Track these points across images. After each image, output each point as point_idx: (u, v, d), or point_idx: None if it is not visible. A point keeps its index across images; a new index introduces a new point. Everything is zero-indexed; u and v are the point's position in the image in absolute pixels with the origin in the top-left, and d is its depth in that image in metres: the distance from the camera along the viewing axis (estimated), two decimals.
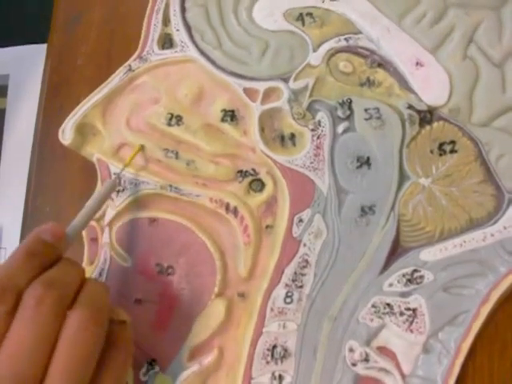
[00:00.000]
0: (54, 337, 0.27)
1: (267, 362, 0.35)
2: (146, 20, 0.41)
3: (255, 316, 0.35)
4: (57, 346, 0.27)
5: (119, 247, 0.38)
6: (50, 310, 0.27)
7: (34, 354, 0.26)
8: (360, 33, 0.38)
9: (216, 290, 0.36)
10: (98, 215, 0.39)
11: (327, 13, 0.39)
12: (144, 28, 0.41)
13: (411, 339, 0.33)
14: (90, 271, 0.38)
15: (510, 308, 0.33)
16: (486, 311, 0.33)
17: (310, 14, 0.39)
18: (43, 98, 0.45)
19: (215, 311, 0.36)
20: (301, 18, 0.39)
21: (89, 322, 0.28)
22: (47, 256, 0.30)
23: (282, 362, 0.34)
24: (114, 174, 0.39)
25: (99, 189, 0.38)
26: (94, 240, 0.39)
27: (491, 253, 0.33)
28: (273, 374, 0.34)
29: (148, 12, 0.42)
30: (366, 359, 0.33)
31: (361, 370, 0.33)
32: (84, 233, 0.39)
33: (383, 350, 0.33)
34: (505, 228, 0.33)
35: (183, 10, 0.41)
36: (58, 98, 0.44)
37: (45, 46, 0.47)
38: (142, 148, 0.39)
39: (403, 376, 0.33)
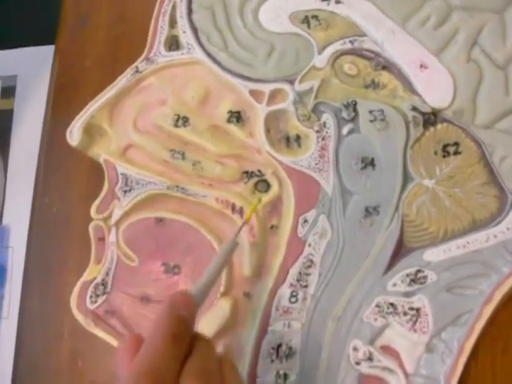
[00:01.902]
0: None
1: (272, 361, 0.35)
2: (152, 22, 0.42)
3: (260, 315, 0.36)
4: None
5: (126, 247, 0.39)
6: None
7: None
8: (365, 35, 0.39)
9: (221, 289, 0.36)
10: (105, 215, 0.39)
11: (332, 15, 0.39)
12: (151, 30, 0.42)
13: (414, 339, 0.33)
14: (97, 270, 0.39)
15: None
16: (488, 311, 0.33)
17: (315, 17, 0.40)
18: (51, 98, 0.45)
19: (220, 310, 0.36)
20: (306, 20, 0.40)
21: None
22: (189, 335, 0.28)
23: (286, 360, 0.35)
24: (233, 209, 0.37)
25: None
26: (101, 240, 0.39)
27: (494, 254, 0.34)
28: (277, 372, 0.35)
29: (155, 14, 0.42)
30: (370, 358, 0.34)
31: (364, 368, 0.34)
32: (91, 232, 0.39)
33: (387, 350, 0.34)
34: (508, 229, 0.34)
35: (190, 12, 0.42)
36: (65, 99, 0.45)
37: (52, 47, 0.47)
38: (259, 202, 0.37)
39: (406, 375, 0.33)
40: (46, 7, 0.50)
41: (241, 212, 0.37)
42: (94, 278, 0.39)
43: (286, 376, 0.35)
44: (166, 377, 0.26)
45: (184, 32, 0.41)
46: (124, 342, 0.29)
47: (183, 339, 0.28)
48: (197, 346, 0.28)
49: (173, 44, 0.41)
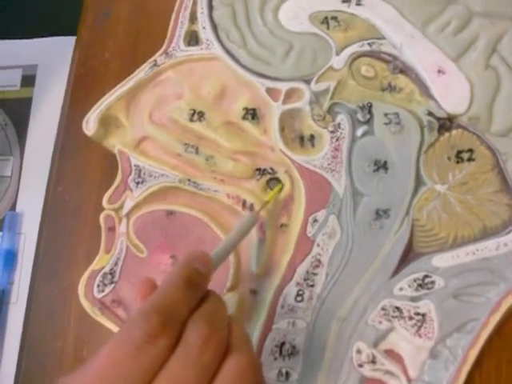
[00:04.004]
0: (210, 379, 0.26)
1: (275, 359, 0.35)
2: (173, 17, 0.42)
3: (265, 312, 0.36)
4: None
5: (136, 238, 0.39)
6: (213, 352, 0.26)
7: None
8: (383, 38, 0.39)
9: (228, 284, 0.36)
10: (117, 205, 0.40)
11: (352, 17, 0.40)
12: (171, 24, 0.42)
13: (419, 344, 0.33)
14: (107, 260, 0.39)
15: None
16: (495, 320, 0.33)
17: (335, 18, 0.40)
18: (69, 88, 0.46)
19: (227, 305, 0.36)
20: (326, 21, 0.40)
21: (247, 370, 0.27)
22: (203, 287, 0.29)
23: (289, 358, 0.35)
24: (243, 205, 0.37)
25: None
26: (112, 229, 0.40)
27: (503, 262, 0.33)
28: (280, 370, 0.35)
29: (176, 9, 0.42)
30: (373, 361, 0.33)
31: (367, 371, 0.33)
32: (102, 222, 0.40)
33: (390, 353, 0.34)
34: None
35: (210, 8, 0.42)
36: (83, 90, 0.45)
37: (73, 38, 0.48)
38: (281, 188, 0.38)
39: (409, 380, 0.33)
40: None
41: (251, 208, 0.37)
42: (103, 268, 0.39)
43: (288, 374, 0.35)
44: (175, 317, 0.26)
45: (204, 28, 0.41)
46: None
47: (196, 288, 0.28)
48: (209, 298, 0.29)
49: (192, 39, 0.42)
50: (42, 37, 0.51)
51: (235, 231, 0.34)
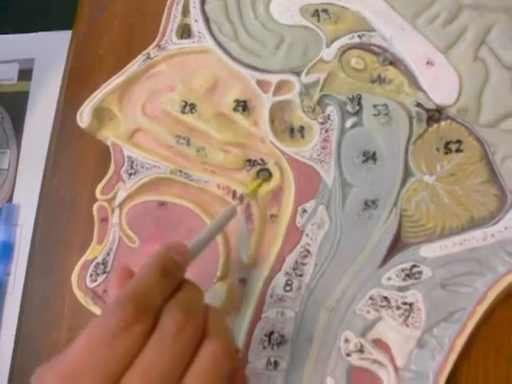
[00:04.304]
0: (185, 366, 0.26)
1: (264, 348, 0.35)
2: (166, 10, 0.43)
3: (254, 302, 0.36)
4: (187, 377, 0.26)
5: (128, 229, 0.40)
6: (188, 338, 0.26)
7: (164, 381, 0.25)
8: (373, 30, 0.39)
9: (218, 274, 0.37)
10: (110, 196, 0.40)
11: (342, 10, 0.40)
12: (164, 18, 0.42)
13: (406, 333, 0.33)
14: (99, 250, 0.40)
15: (507, 308, 0.34)
16: (482, 310, 0.33)
17: (325, 11, 0.40)
18: (65, 82, 0.46)
19: (216, 295, 0.36)
20: (316, 13, 0.40)
21: (223, 356, 0.27)
22: (178, 276, 0.29)
23: (278, 347, 0.35)
24: (233, 196, 0.38)
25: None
26: (105, 220, 0.40)
27: (491, 252, 0.34)
28: (268, 359, 0.35)
29: (169, 3, 0.43)
30: (361, 350, 0.34)
31: (355, 360, 0.34)
32: (95, 213, 0.40)
33: (378, 343, 0.34)
34: (506, 228, 0.34)
35: (203, 2, 0.42)
36: (78, 84, 0.46)
37: (69, 32, 0.48)
38: (262, 182, 0.38)
39: (396, 369, 0.33)
40: None
41: (241, 199, 0.38)
42: (95, 258, 0.39)
43: (276, 363, 0.35)
44: (150, 305, 0.26)
45: (196, 21, 0.42)
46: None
47: (172, 276, 0.28)
48: (185, 287, 0.29)
49: (184, 32, 0.42)
50: (39, 31, 0.52)
51: (213, 223, 0.35)
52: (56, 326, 0.41)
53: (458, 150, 0.36)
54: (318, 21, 0.40)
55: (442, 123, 0.36)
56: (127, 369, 0.25)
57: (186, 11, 0.42)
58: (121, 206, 0.40)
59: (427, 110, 0.37)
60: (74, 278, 0.39)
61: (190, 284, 0.30)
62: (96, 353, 0.25)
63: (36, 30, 0.52)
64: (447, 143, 0.36)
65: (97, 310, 0.38)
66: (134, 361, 0.25)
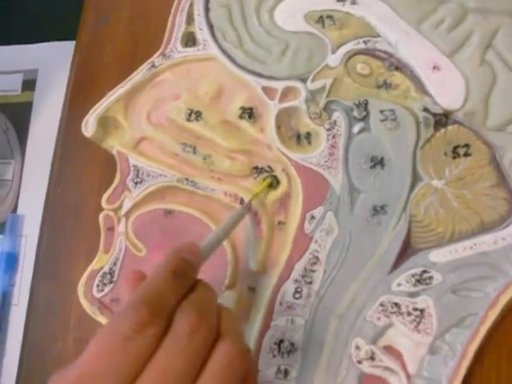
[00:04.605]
0: (199, 368, 0.26)
1: (273, 356, 0.35)
2: (170, 19, 0.43)
3: (264, 310, 0.36)
4: (201, 379, 0.25)
5: (134, 237, 0.39)
6: (202, 340, 0.26)
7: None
8: (378, 36, 0.39)
9: (226, 282, 0.37)
10: (116, 205, 0.40)
11: (347, 16, 0.40)
12: (168, 26, 0.42)
13: (418, 339, 0.33)
14: (106, 259, 0.39)
15: None
16: (494, 315, 0.32)
17: (330, 17, 0.40)
18: (69, 92, 0.46)
19: (225, 303, 0.36)
20: (321, 20, 0.40)
21: (236, 358, 0.26)
22: (191, 277, 0.29)
23: (288, 356, 0.35)
24: (241, 203, 0.38)
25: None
26: (111, 229, 0.40)
27: (502, 256, 0.33)
28: (278, 367, 0.35)
29: (173, 11, 0.43)
30: (372, 357, 0.33)
31: (366, 367, 0.33)
32: (101, 222, 0.40)
33: (389, 350, 0.33)
34: None
35: (207, 9, 0.42)
36: (83, 93, 0.45)
37: (73, 42, 0.48)
38: (271, 182, 0.38)
39: (408, 376, 0.33)
40: (69, 3, 0.51)
41: (249, 207, 0.37)
42: (102, 267, 0.39)
43: (286, 372, 0.34)
44: (164, 307, 0.26)
45: (201, 29, 0.42)
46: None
47: (185, 277, 0.28)
48: (197, 288, 0.29)
49: (189, 40, 0.42)
50: (43, 42, 0.52)
51: (224, 223, 0.35)
52: (62, 337, 0.40)
53: (466, 154, 0.35)
54: (323, 27, 0.40)
55: (450, 127, 0.36)
56: (141, 372, 0.25)
57: (190, 19, 0.42)
58: (127, 215, 0.40)
59: (434, 115, 0.36)
60: (80, 288, 0.39)
61: (203, 284, 0.30)
62: (109, 357, 0.25)
63: (39, 41, 0.52)
64: (455, 147, 0.36)
65: (104, 321, 0.38)
66: (147, 364, 0.25)
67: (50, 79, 0.51)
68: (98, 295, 0.39)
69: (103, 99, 0.42)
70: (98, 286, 0.39)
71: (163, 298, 0.27)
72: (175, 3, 0.43)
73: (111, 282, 0.39)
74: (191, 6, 0.43)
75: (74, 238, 0.42)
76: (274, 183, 0.38)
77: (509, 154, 0.35)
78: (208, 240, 0.33)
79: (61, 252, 0.42)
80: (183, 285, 0.28)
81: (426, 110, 0.37)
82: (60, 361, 0.40)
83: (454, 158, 0.36)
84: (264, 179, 0.38)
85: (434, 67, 0.37)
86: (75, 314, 0.40)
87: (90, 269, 0.39)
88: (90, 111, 0.41)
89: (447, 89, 0.37)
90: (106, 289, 0.39)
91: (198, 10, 0.42)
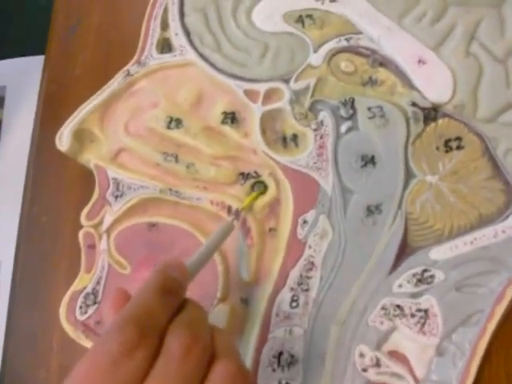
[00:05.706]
0: None
1: (273, 370, 0.33)
2: (144, 25, 0.41)
3: (259, 322, 0.34)
4: None
5: (118, 254, 0.37)
6: (197, 361, 0.24)
7: None
8: (360, 33, 0.38)
9: (218, 295, 0.35)
10: (96, 221, 0.38)
11: (327, 14, 0.39)
12: (142, 33, 0.41)
13: (424, 342, 0.32)
14: (88, 279, 0.37)
15: None
16: (501, 310, 0.31)
17: (309, 16, 0.39)
18: (40, 107, 0.44)
19: (217, 318, 0.34)
20: (300, 19, 0.39)
21: (236, 377, 0.25)
22: (180, 294, 0.27)
23: (288, 369, 0.33)
24: (229, 211, 0.36)
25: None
26: (92, 247, 0.38)
27: (503, 249, 0.32)
28: (279, 382, 0.33)
29: (146, 17, 0.41)
30: (378, 364, 0.32)
31: (372, 375, 0.32)
32: (81, 240, 0.38)
33: (395, 354, 0.32)
34: None
35: (182, 14, 0.41)
36: (55, 107, 0.44)
37: (41, 57, 0.46)
38: (258, 195, 0.36)
39: (417, 381, 0.31)
40: (34, 18, 0.50)
41: (237, 214, 0.36)
42: (84, 288, 0.37)
43: None
44: (153, 326, 0.24)
45: (176, 34, 0.40)
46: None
47: (173, 295, 0.26)
48: (187, 307, 0.27)
49: (165, 47, 0.41)
50: (10, 58, 0.50)
51: (211, 239, 0.33)
52: (45, 365, 0.38)
53: (459, 148, 0.35)
54: (303, 26, 0.39)
55: (440, 121, 0.35)
56: None
57: (164, 25, 0.41)
58: (108, 231, 0.38)
59: (423, 109, 0.36)
60: (62, 312, 0.37)
61: (192, 303, 0.28)
62: (96, 382, 0.23)
63: (6, 57, 0.50)
64: (447, 141, 0.35)
65: (89, 345, 0.36)
66: None
67: (19, 96, 0.49)
68: (82, 318, 0.36)
69: (77, 111, 0.40)
70: (81, 307, 0.36)
71: (152, 317, 0.25)
72: (148, 9, 0.41)
73: (95, 302, 0.36)
74: (165, 11, 0.41)
75: (53, 258, 0.40)
76: (262, 191, 0.36)
77: (502, 144, 0.34)
78: (195, 256, 0.31)
79: (39, 275, 0.40)
80: (173, 302, 0.26)
81: (414, 104, 0.36)
82: None
83: (447, 151, 0.35)
84: (252, 185, 0.37)
85: (419, 61, 0.36)
86: (58, 339, 0.38)
87: (71, 290, 0.37)
88: (65, 124, 0.39)
89: (434, 82, 0.36)
90: (90, 310, 0.36)
91: (173, 15, 0.41)
